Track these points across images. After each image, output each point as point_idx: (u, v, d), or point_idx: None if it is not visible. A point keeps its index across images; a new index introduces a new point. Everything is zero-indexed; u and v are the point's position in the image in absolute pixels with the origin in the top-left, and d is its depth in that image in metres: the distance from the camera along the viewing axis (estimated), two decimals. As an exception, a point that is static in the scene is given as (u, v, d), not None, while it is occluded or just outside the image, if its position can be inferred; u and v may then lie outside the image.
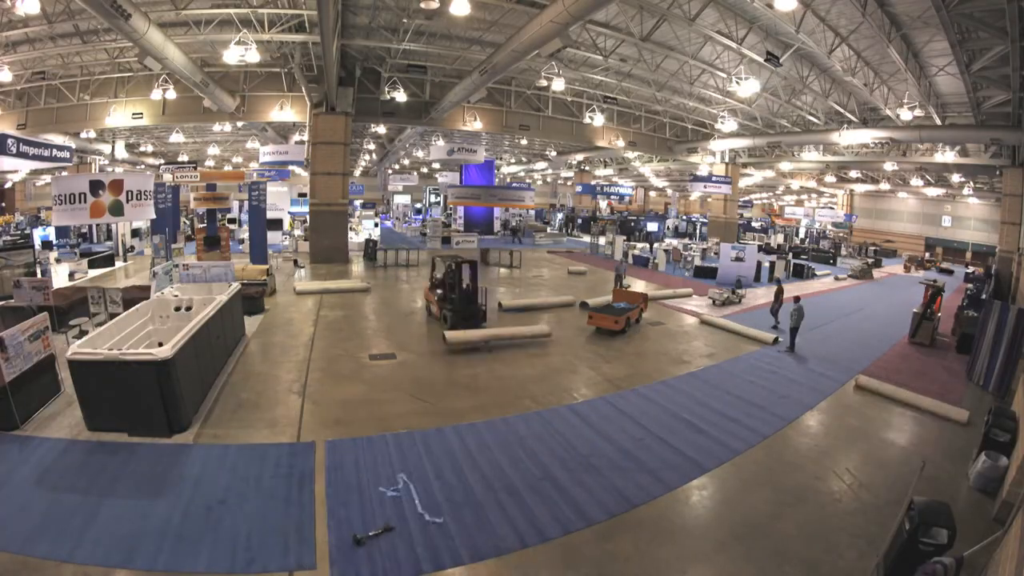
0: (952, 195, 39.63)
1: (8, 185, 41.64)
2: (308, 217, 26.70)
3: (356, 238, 30.31)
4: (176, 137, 32.89)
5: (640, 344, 13.29)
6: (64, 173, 27.24)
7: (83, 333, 11.02)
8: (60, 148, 19.75)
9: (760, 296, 20.09)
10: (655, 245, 33.21)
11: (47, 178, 37.80)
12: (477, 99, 23.14)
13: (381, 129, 35.07)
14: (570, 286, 20.41)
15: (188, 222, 33.23)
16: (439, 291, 13.16)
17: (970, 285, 23.56)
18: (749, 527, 6.04)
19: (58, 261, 21.47)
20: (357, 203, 50.41)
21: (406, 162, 55.69)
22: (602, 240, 32.69)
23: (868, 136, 23.68)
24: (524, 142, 39.03)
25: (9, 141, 16.88)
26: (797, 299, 13.40)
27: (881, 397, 10.26)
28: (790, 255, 31.43)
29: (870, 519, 6.32)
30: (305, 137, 26.01)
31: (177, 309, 10.50)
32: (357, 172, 54.64)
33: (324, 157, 23.65)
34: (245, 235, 25.89)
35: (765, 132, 28.42)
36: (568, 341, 13.08)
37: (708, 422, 8.76)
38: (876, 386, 10.52)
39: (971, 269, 34.36)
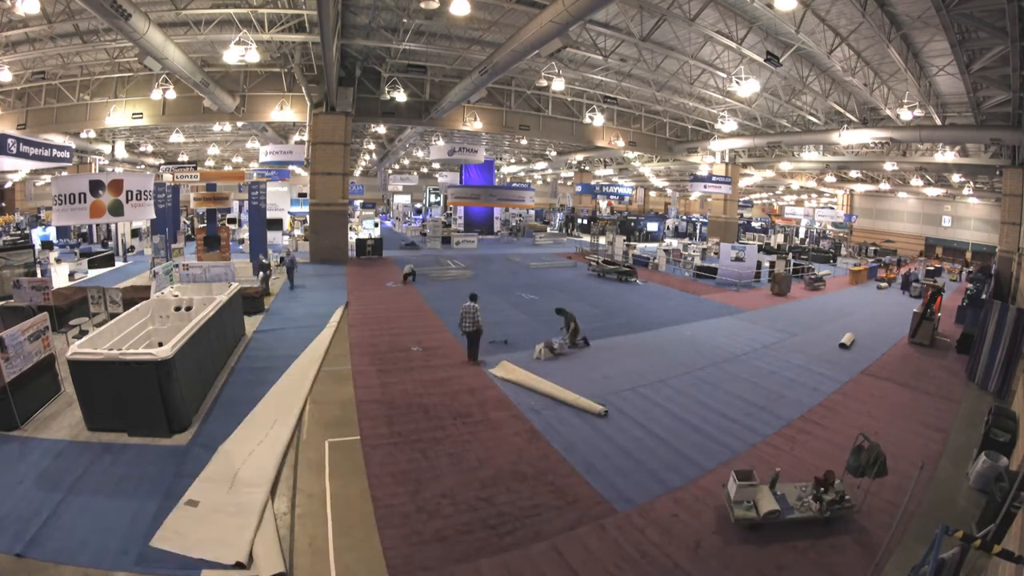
0: (952, 195, 39.63)
1: (8, 185, 41.63)
2: (308, 217, 26.71)
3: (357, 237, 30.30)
4: (176, 137, 32.92)
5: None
6: (64, 173, 27.24)
7: (83, 333, 11.01)
8: (60, 148, 19.78)
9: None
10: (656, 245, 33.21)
11: (47, 178, 37.81)
12: (477, 99, 23.14)
13: (381, 129, 35.08)
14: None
15: (188, 222, 33.24)
16: None
17: (970, 285, 23.56)
18: (750, 530, 6.05)
19: (58, 261, 21.48)
20: (357, 203, 50.42)
21: (406, 162, 55.74)
22: (602, 240, 32.67)
23: (868, 136, 23.69)
24: (524, 142, 39.05)
25: (9, 141, 16.90)
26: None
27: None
28: (790, 255, 31.44)
29: (871, 521, 6.31)
30: (305, 137, 26.03)
31: (177, 309, 10.50)
32: (357, 172, 54.66)
33: (324, 157, 23.67)
34: (245, 235, 25.91)
35: (765, 132, 28.42)
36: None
37: (708, 422, 8.76)
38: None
39: (971, 269, 34.35)
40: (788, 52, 16.72)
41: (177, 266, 14.34)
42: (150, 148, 39.04)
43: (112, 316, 11.23)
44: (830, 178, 40.49)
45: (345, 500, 6.26)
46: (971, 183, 34.89)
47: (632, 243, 33.14)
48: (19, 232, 27.88)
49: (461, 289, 19.42)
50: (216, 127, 30.38)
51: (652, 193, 73.52)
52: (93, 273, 20.14)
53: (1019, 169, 21.51)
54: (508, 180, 61.08)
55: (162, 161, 37.86)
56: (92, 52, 20.80)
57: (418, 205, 58.68)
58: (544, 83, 21.87)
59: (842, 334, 14.47)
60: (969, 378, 11.74)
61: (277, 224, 29.87)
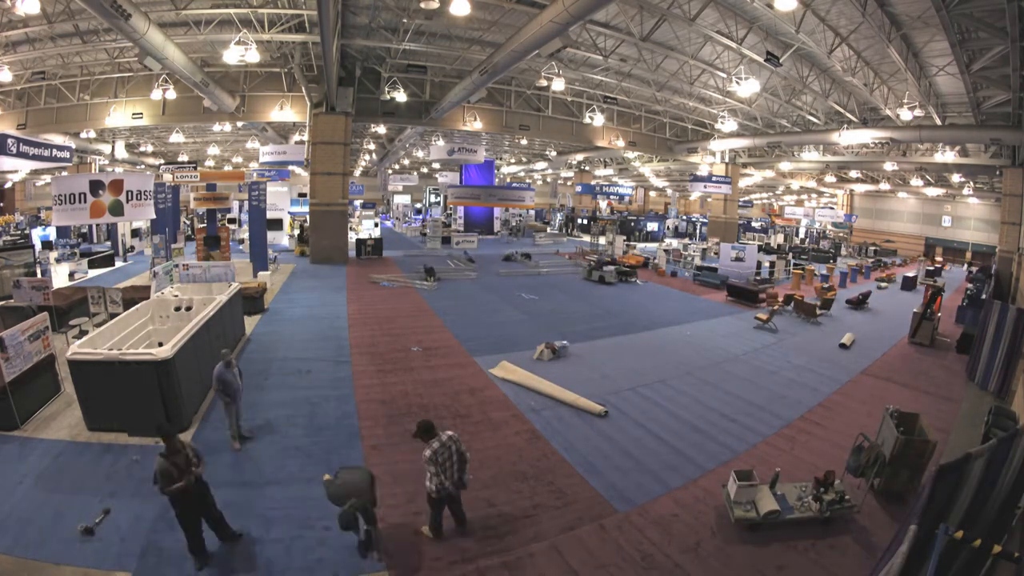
0: (952, 195, 39.64)
1: (8, 185, 41.65)
2: (308, 217, 26.71)
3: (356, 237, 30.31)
4: (176, 137, 32.90)
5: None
6: (64, 173, 27.24)
7: (83, 333, 11.01)
8: (60, 148, 19.78)
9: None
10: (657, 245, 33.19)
11: (47, 178, 37.84)
12: (477, 99, 23.13)
13: (381, 129, 35.07)
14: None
15: (188, 222, 33.23)
16: None
17: (970, 285, 23.59)
18: (750, 530, 6.04)
19: (58, 261, 21.47)
20: (357, 203, 50.42)
21: (406, 162, 55.72)
22: (602, 240, 32.68)
23: (868, 136, 23.68)
24: (524, 142, 39.02)
25: (9, 141, 16.90)
26: None
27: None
28: (790, 255, 31.47)
29: (872, 521, 6.31)
30: (305, 137, 26.02)
31: (177, 309, 10.50)
32: (357, 172, 54.65)
33: (324, 157, 23.66)
34: (245, 235, 25.91)
35: (765, 132, 28.42)
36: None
37: (708, 422, 8.76)
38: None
39: (972, 268, 34.40)
40: (788, 52, 16.71)
41: (177, 266, 14.32)
42: (150, 148, 39.02)
43: (112, 316, 11.23)
44: (830, 178, 40.51)
45: (345, 500, 6.25)
46: (971, 183, 34.90)
47: (632, 243, 33.16)
48: (19, 232, 27.89)
49: (464, 290, 19.44)
50: (216, 127, 30.36)
51: (652, 193, 73.52)
52: (93, 273, 20.15)
53: (1019, 169, 21.51)
54: (508, 180, 61.04)
55: (162, 161, 37.85)
56: (92, 52, 20.78)
57: (418, 205, 58.70)
58: (544, 83, 21.86)
59: (842, 334, 14.49)
60: (969, 378, 11.74)
61: (277, 224, 29.86)
